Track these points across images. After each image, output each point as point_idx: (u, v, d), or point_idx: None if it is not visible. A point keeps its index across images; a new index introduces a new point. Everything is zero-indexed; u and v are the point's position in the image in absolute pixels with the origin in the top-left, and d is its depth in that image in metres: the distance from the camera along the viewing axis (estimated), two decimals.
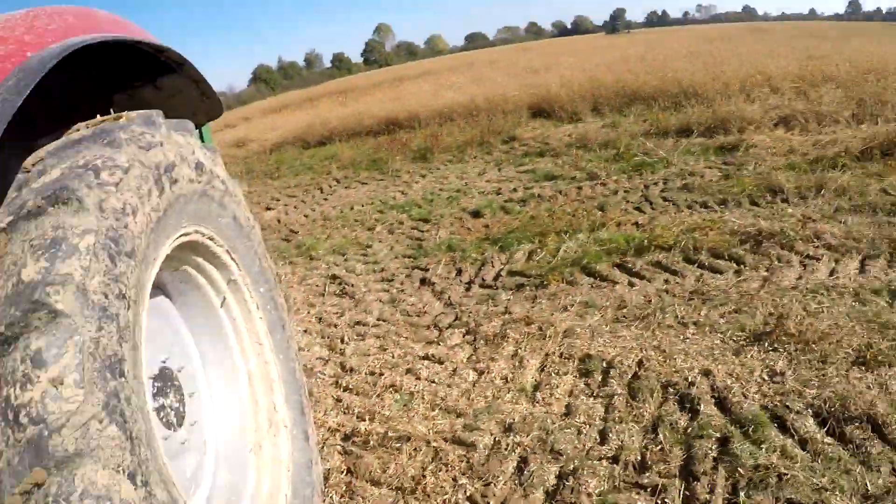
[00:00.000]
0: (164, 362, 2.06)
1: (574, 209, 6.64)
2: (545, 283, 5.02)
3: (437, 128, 12.36)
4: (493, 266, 5.59)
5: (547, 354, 4.04)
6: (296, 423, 2.62)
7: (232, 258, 2.27)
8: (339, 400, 3.96)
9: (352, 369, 4.29)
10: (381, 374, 4.14)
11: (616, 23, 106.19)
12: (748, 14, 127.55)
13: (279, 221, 8.81)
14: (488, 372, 3.96)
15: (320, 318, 5.23)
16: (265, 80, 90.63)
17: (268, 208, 9.77)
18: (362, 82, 31.87)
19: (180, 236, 1.90)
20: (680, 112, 10.03)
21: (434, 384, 3.95)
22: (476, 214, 7.20)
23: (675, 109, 10.34)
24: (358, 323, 4.98)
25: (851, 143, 7.09)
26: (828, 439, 3.00)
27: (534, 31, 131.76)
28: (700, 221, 5.66)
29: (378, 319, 4.99)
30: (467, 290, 5.27)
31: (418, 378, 4.04)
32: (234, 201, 2.29)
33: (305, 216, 8.78)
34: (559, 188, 7.58)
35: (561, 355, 4.00)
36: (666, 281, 4.79)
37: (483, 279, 5.38)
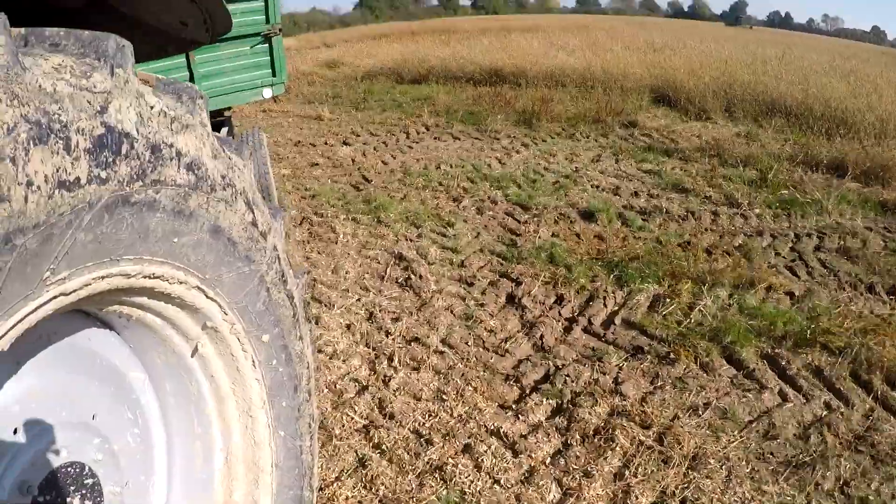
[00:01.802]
0: (58, 454, 1.14)
1: (711, 245, 5.18)
2: (672, 355, 3.66)
3: (546, 91, 10.88)
4: (604, 305, 4.25)
5: (664, 492, 2.74)
6: None
7: (209, 297, 1.23)
8: (363, 463, 2.83)
9: (392, 416, 3.14)
10: (430, 443, 2.97)
11: (738, 15, 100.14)
12: (876, 35, 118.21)
13: (353, 162, 7.67)
14: (578, 496, 2.70)
15: (370, 316, 4.07)
16: (370, 7, 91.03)
17: (345, 142, 8.68)
18: (468, 26, 29.72)
19: (55, 298, 0.86)
20: (831, 142, 8.33)
21: (497, 487, 2.75)
22: (588, 216, 5.82)
23: (825, 136, 8.65)
24: (416, 340, 3.79)
25: None
26: None
27: (647, 7, 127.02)
28: (873, 320, 4.07)
29: (443, 343, 3.79)
30: (567, 331, 3.98)
31: (478, 467, 2.84)
32: (222, 200, 1.17)
33: (384, 163, 7.63)
34: (691, 208, 6.09)
35: (683, 501, 2.70)
36: (827, 405, 3.34)
37: (590, 321, 4.07)
